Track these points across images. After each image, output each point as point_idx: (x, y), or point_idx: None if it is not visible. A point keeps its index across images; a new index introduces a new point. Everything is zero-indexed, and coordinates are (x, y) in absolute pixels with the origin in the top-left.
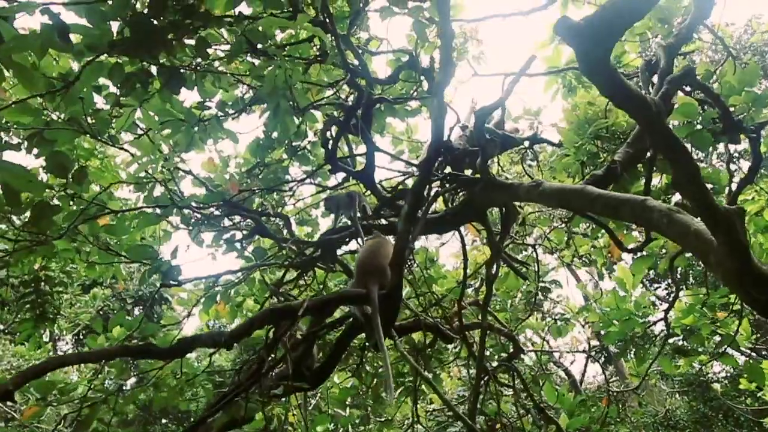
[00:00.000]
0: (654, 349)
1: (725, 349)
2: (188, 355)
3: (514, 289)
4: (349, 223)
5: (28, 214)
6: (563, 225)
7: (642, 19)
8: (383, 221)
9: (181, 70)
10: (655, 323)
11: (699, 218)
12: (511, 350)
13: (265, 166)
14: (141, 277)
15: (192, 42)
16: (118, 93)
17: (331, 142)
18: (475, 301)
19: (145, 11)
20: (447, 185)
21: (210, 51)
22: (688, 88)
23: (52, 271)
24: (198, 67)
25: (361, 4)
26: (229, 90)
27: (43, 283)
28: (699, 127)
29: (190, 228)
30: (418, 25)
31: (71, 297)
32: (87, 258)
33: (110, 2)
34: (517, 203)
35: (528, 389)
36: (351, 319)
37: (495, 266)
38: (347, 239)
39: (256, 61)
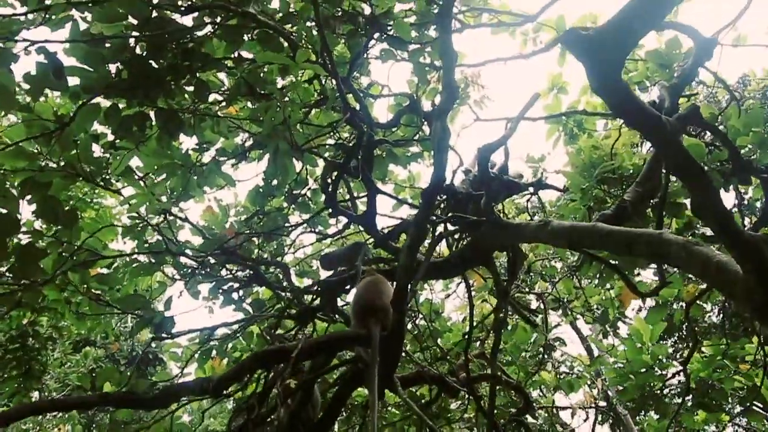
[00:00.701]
0: (672, 405)
1: (750, 404)
2: (182, 417)
3: (523, 343)
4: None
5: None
6: (570, 275)
7: (654, 28)
8: (384, 266)
9: (180, 114)
10: (674, 375)
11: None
12: (521, 405)
13: (264, 214)
14: (132, 330)
15: (191, 88)
16: (113, 137)
17: (331, 185)
18: (481, 353)
19: (144, 53)
20: (451, 227)
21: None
22: (693, 132)
23: (41, 326)
24: (197, 111)
25: (362, 47)
26: (228, 137)
27: (30, 339)
28: (708, 168)
29: (186, 279)
30: (419, 68)
31: (61, 356)
32: (77, 309)
33: (108, 45)
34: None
35: None
36: (351, 365)
37: (502, 312)
38: (348, 286)
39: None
